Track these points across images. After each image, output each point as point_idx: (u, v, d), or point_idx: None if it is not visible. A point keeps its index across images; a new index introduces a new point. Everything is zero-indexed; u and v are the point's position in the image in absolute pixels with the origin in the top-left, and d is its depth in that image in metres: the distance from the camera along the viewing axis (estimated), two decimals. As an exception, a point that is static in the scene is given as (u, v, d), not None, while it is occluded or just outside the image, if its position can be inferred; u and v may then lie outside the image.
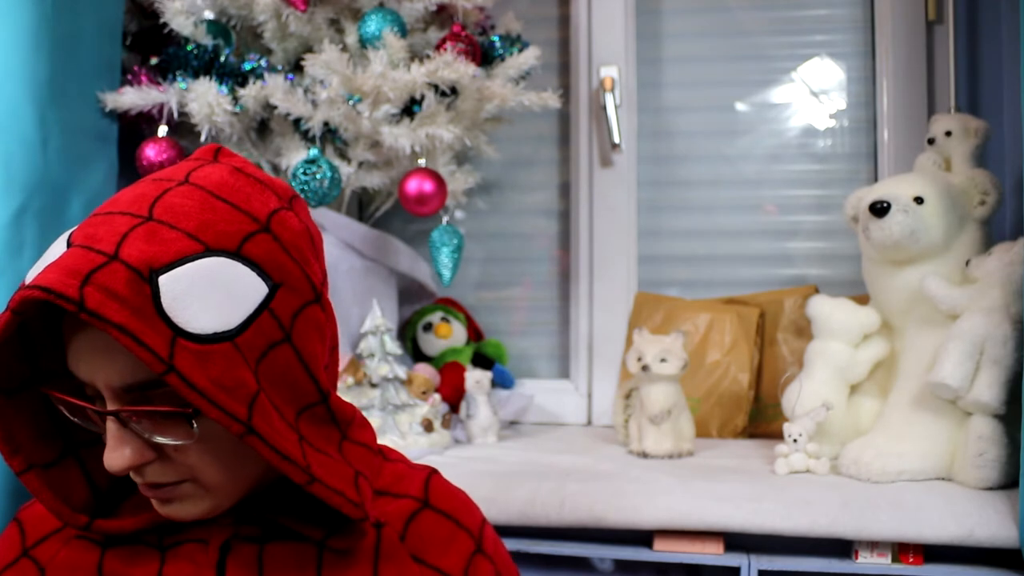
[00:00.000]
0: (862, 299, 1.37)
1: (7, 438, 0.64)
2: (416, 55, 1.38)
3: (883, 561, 1.11)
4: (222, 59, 1.33)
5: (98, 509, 0.69)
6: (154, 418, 0.60)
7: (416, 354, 1.77)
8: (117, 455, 0.59)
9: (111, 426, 0.60)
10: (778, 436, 1.28)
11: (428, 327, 1.75)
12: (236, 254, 0.60)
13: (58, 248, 0.61)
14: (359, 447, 0.69)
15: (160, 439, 0.60)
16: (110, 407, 0.60)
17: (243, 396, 0.58)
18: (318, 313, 0.65)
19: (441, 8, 1.45)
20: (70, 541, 0.70)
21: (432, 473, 0.77)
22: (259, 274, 0.60)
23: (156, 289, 0.56)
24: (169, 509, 0.64)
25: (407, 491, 0.73)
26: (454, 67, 1.30)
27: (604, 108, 1.72)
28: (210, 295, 0.58)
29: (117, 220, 0.60)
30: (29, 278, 0.59)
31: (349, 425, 0.69)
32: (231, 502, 0.66)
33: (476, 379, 1.50)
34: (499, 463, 1.33)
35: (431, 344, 1.74)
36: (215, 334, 0.57)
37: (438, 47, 1.37)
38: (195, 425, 0.59)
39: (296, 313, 0.63)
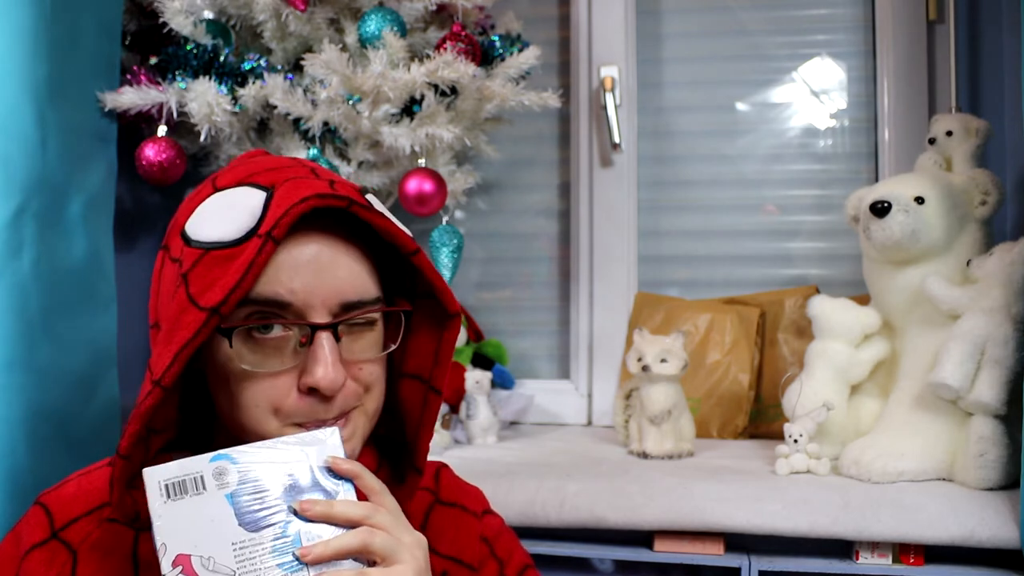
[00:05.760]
0: (862, 299, 1.36)
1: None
2: (416, 55, 1.38)
3: (884, 562, 1.11)
4: (221, 59, 1.33)
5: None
6: (364, 331, 0.67)
7: (416, 354, 1.77)
8: (335, 370, 0.63)
9: (326, 344, 0.63)
10: (778, 436, 1.28)
11: (428, 327, 1.74)
12: None
13: (241, 196, 0.64)
14: None
15: (364, 355, 0.66)
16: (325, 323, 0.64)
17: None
18: None
19: (441, 8, 1.45)
20: (102, 524, 0.69)
21: (441, 467, 0.82)
22: None
23: (368, 201, 0.67)
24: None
25: (422, 483, 0.77)
26: (454, 67, 1.30)
27: (604, 108, 1.72)
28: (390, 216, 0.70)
29: (295, 169, 0.67)
30: (208, 235, 0.62)
31: None
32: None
33: (476, 379, 1.50)
34: (499, 464, 1.33)
35: (431, 344, 1.74)
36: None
37: (438, 47, 1.37)
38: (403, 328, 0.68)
39: None
